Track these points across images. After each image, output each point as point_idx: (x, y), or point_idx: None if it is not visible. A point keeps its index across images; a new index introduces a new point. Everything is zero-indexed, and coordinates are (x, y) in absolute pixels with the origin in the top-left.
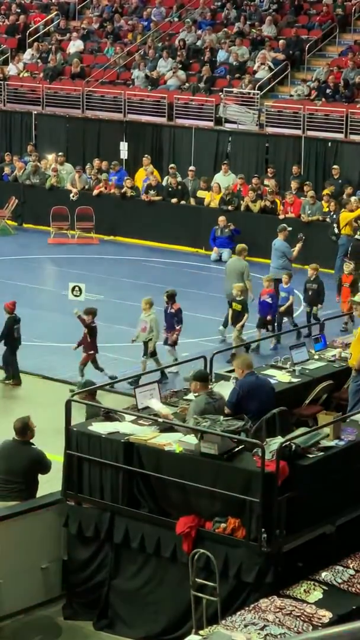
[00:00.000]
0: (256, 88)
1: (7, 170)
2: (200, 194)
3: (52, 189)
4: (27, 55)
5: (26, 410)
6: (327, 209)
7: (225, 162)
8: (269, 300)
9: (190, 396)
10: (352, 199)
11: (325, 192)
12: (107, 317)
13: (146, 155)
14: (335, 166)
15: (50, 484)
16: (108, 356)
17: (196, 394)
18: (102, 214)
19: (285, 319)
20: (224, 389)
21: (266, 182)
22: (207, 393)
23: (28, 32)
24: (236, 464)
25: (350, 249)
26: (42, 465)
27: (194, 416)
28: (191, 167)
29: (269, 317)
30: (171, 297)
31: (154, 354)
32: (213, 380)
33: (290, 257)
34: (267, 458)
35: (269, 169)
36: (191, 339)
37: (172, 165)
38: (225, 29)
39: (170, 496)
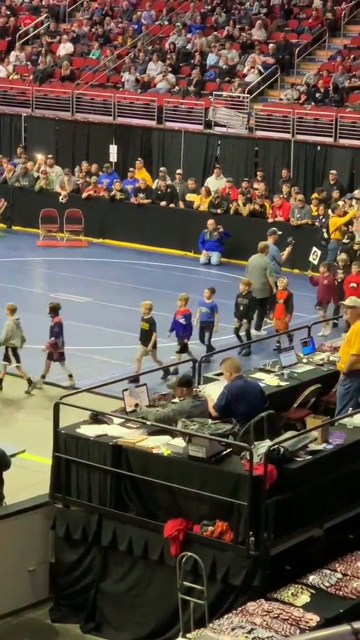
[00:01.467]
0: (246, 92)
1: None
2: (190, 197)
3: (42, 192)
4: (12, 57)
5: (13, 413)
6: (315, 213)
7: (217, 165)
8: (182, 321)
9: (177, 400)
10: (340, 203)
11: (314, 196)
12: (96, 320)
13: (139, 159)
14: (332, 171)
15: (38, 486)
16: (96, 359)
17: (182, 399)
18: (91, 216)
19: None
20: (218, 387)
21: (255, 185)
22: (192, 396)
23: (18, 34)
24: (224, 467)
25: (339, 253)
26: (2, 463)
27: (182, 419)
28: (179, 170)
29: (185, 341)
30: (53, 310)
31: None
32: (202, 383)
33: (279, 260)
34: (255, 461)
35: (258, 173)
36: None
37: (162, 168)
38: (215, 33)
39: (158, 499)
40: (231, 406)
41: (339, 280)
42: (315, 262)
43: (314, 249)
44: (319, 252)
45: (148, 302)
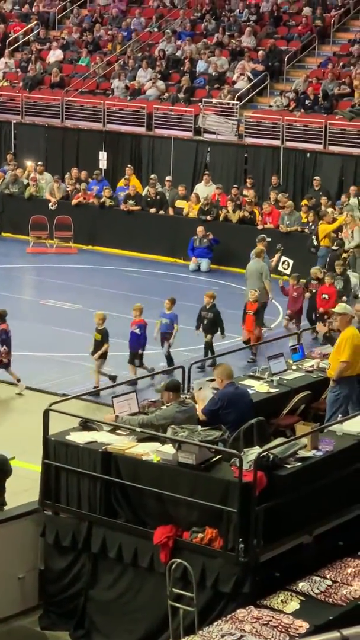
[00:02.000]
0: (235, 98)
1: None
2: (179, 203)
3: (31, 199)
4: (2, 64)
5: (2, 420)
6: (305, 220)
7: (206, 172)
8: (137, 331)
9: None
10: (329, 210)
11: (304, 202)
12: (86, 327)
13: (129, 166)
14: (316, 177)
15: (28, 493)
16: (85, 365)
17: (168, 404)
18: (81, 223)
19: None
20: (207, 391)
21: (245, 192)
22: (179, 402)
23: (7, 41)
24: (214, 474)
25: (329, 260)
26: (3, 471)
27: (172, 426)
28: (168, 177)
29: (140, 351)
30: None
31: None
32: (193, 388)
33: (268, 267)
34: (245, 468)
35: (248, 180)
36: (180, 348)
37: (152, 175)
38: (205, 40)
39: (148, 506)
40: (221, 413)
41: (314, 291)
42: (288, 272)
43: (283, 257)
44: (290, 262)
45: (101, 312)
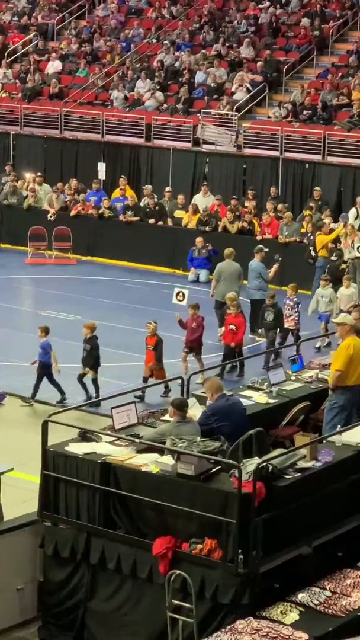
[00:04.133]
0: (234, 109)
1: None
2: (178, 214)
3: (30, 209)
4: (1, 75)
5: (1, 431)
6: (304, 230)
7: (205, 183)
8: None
9: (167, 417)
10: (327, 221)
11: (307, 213)
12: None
13: (122, 176)
14: (316, 188)
15: (26, 504)
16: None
17: (171, 418)
18: (79, 234)
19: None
20: (196, 409)
21: (247, 203)
22: (180, 419)
23: (6, 52)
24: (213, 485)
25: (327, 270)
26: None
27: (171, 437)
28: (168, 188)
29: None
30: None
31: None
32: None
33: (266, 278)
34: (244, 479)
35: (249, 191)
36: (168, 359)
37: (147, 186)
38: (204, 51)
39: (147, 517)
40: (215, 426)
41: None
42: (184, 303)
43: (177, 288)
44: (186, 292)
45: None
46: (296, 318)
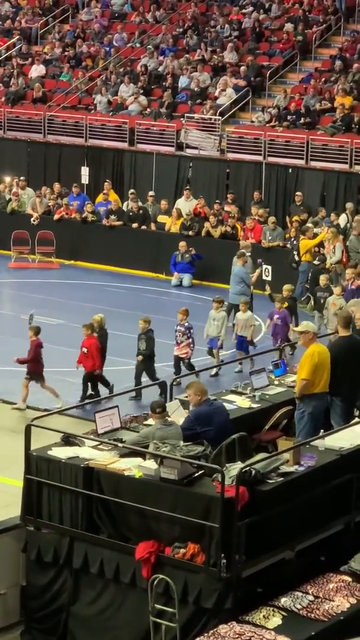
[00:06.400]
0: (217, 114)
1: None
2: (161, 219)
3: (13, 213)
4: None
5: None
6: (288, 235)
7: (187, 187)
8: None
9: (150, 421)
10: (310, 225)
11: (295, 218)
12: (68, 342)
13: (107, 181)
14: (298, 193)
15: (9, 508)
16: (68, 381)
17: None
18: (62, 238)
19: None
20: (179, 413)
21: (227, 208)
22: (162, 422)
23: None
24: (196, 490)
25: (310, 275)
26: None
27: (154, 441)
28: (151, 193)
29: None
30: None
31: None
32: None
33: (248, 282)
34: (227, 483)
35: (229, 195)
36: (156, 364)
37: (132, 190)
38: (187, 55)
39: (130, 521)
40: (199, 431)
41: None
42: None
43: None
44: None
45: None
46: (190, 345)
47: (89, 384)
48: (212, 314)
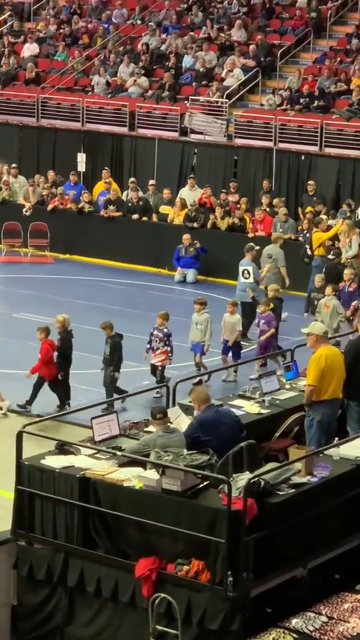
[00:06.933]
0: (224, 96)
1: None
2: (164, 209)
3: (4, 203)
4: None
5: None
6: (300, 228)
7: (191, 175)
8: None
9: (151, 428)
10: (324, 217)
11: (308, 209)
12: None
13: (105, 168)
14: (310, 182)
15: None
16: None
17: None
18: (57, 230)
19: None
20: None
21: (230, 197)
22: (163, 428)
23: None
24: (200, 502)
25: (324, 270)
26: None
27: (155, 449)
28: (152, 181)
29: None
30: None
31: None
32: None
33: (257, 279)
34: (234, 495)
35: (232, 184)
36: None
37: (132, 179)
38: (192, 33)
39: (129, 536)
40: (202, 440)
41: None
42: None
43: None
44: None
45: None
46: (167, 353)
47: (59, 390)
48: (195, 317)
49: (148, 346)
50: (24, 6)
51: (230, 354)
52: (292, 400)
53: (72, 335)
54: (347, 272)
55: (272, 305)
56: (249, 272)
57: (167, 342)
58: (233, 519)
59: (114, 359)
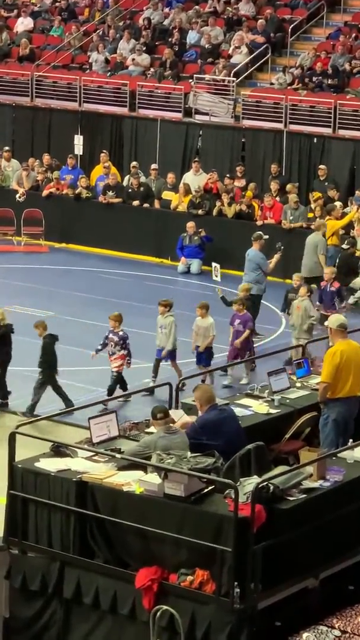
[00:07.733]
0: (231, 75)
1: None
2: (167, 195)
3: None
4: None
5: None
6: (311, 215)
7: (196, 159)
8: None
9: (152, 429)
10: (338, 204)
11: (316, 195)
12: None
13: (104, 151)
14: (321, 166)
15: None
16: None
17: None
18: (52, 217)
19: None
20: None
21: (236, 183)
22: (164, 429)
23: None
24: (205, 508)
25: (338, 260)
26: None
27: (157, 452)
28: (154, 165)
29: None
30: None
31: None
32: (179, 409)
33: (265, 269)
34: (241, 501)
35: (238, 168)
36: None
37: (133, 163)
38: (197, 7)
39: (129, 544)
40: (205, 442)
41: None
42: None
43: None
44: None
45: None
46: (125, 357)
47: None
48: (159, 320)
49: (99, 347)
50: None
51: (201, 360)
52: (304, 399)
53: (10, 331)
54: (327, 272)
55: (245, 305)
56: (218, 270)
57: (124, 346)
58: (240, 526)
59: (44, 361)
